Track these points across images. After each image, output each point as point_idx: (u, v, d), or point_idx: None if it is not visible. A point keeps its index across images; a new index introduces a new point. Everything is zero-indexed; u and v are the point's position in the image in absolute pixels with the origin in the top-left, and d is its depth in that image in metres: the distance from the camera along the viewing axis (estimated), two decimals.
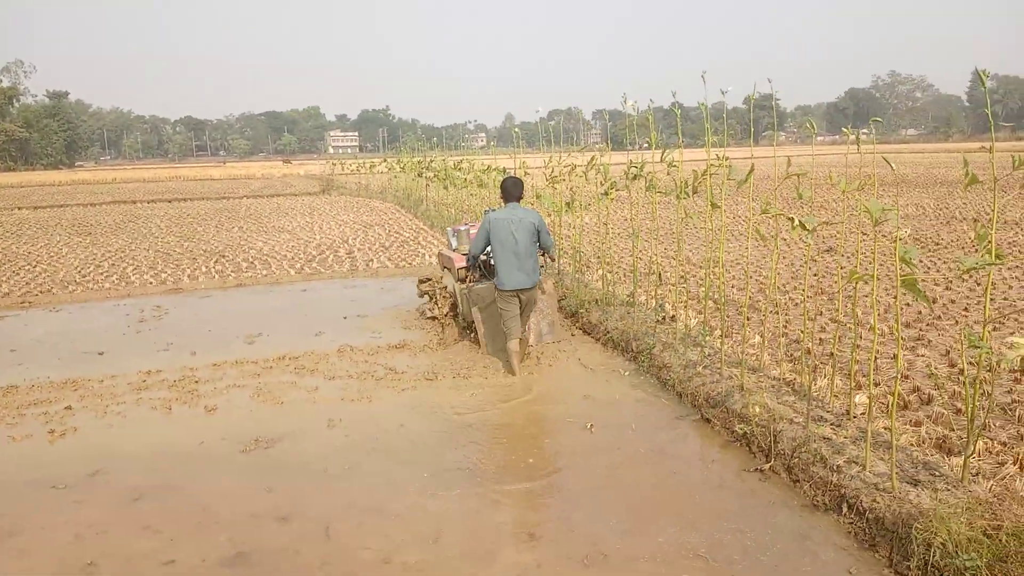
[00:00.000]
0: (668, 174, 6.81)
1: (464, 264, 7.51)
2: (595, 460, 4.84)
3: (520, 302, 6.67)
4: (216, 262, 13.17)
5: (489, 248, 6.81)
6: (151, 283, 11.44)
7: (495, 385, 6.37)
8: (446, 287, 8.35)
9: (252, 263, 13.00)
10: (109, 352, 7.65)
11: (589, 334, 7.87)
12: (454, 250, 8.13)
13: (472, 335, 7.57)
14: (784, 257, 11.14)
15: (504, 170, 11.46)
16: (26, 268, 12.96)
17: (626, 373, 6.59)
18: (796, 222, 4.84)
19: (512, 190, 6.79)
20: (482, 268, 7.38)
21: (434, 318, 8.31)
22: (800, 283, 9.26)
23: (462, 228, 8.22)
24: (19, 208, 26.80)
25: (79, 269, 12.73)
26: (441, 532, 3.96)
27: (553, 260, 7.84)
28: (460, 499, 4.34)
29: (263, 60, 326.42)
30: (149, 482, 4.64)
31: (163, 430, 5.52)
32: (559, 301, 8.93)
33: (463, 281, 7.59)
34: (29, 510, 4.30)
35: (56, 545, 3.91)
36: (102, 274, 12.22)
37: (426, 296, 8.60)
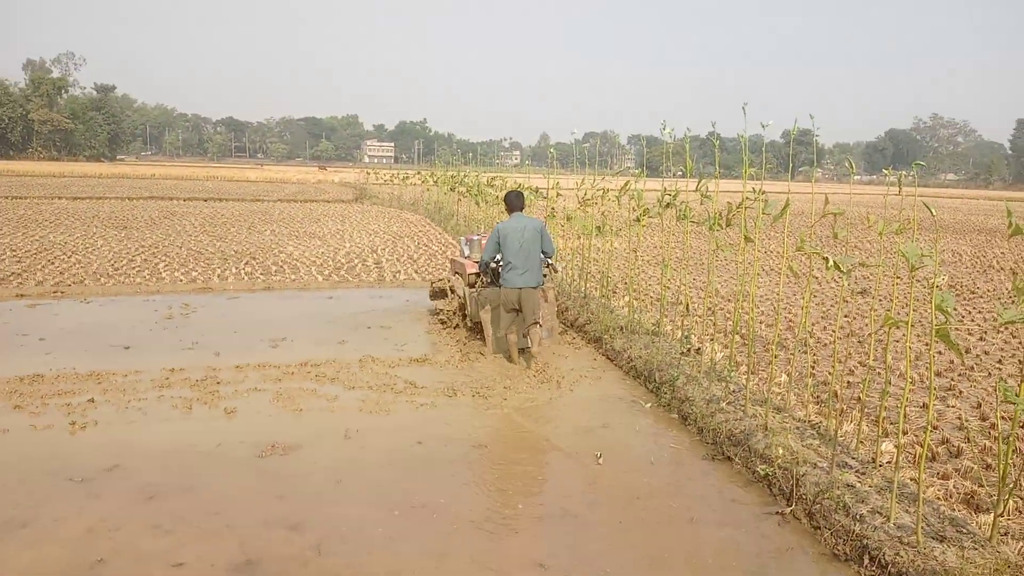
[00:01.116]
0: (702, 203, 6.75)
1: (475, 270, 8.21)
2: (610, 493, 4.77)
3: (520, 301, 7.23)
4: (246, 264, 13.30)
5: (499, 255, 7.41)
6: (181, 280, 11.57)
7: (514, 407, 6.32)
8: (454, 289, 8.91)
9: (281, 267, 13.11)
10: (135, 347, 7.73)
11: (612, 361, 7.80)
12: (467, 257, 8.81)
13: (479, 336, 8.19)
14: (815, 296, 10.98)
15: (537, 189, 11.57)
16: (61, 258, 13.19)
17: (647, 404, 6.51)
18: (831, 262, 4.77)
19: (515, 202, 7.52)
20: (492, 274, 7.81)
21: (443, 318, 8.98)
22: (830, 323, 9.11)
23: (475, 238, 8.94)
24: (59, 198, 27.35)
25: (112, 262, 12.93)
26: (449, 553, 3.91)
27: (556, 271, 8.30)
28: (471, 523, 4.29)
29: (305, 66, 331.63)
30: (165, 481, 4.65)
31: (182, 429, 5.54)
32: (585, 327, 8.89)
33: (472, 286, 8.31)
34: (44, 500, 4.33)
35: (67, 538, 3.92)
36: (134, 268, 12.40)
37: (436, 297, 9.35)
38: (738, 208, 5.95)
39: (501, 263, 7.32)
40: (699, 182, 6.54)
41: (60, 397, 6.06)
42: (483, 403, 6.35)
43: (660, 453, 5.47)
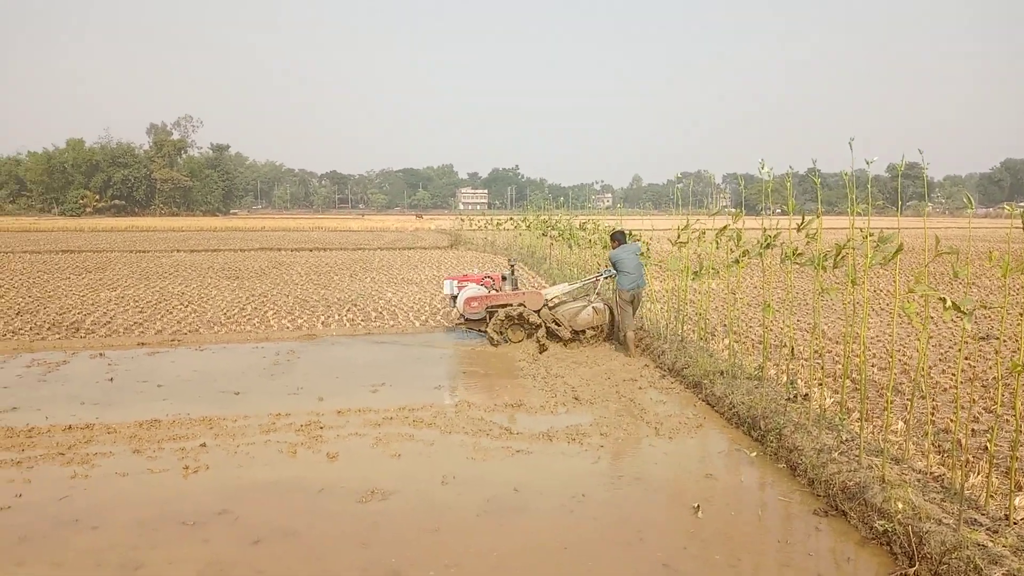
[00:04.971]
0: (807, 244, 6.51)
1: (547, 297, 10.92)
2: (714, 547, 4.56)
3: (635, 298, 10.15)
4: (348, 311, 13.73)
5: (557, 291, 11.18)
6: (288, 328, 12.04)
7: (611, 455, 6.19)
8: (530, 314, 10.64)
9: (381, 313, 13.46)
10: (244, 393, 8.06)
11: (713, 407, 7.55)
12: (534, 290, 11.03)
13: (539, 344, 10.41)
14: (931, 337, 10.33)
15: (630, 232, 11.71)
16: (179, 307, 13.99)
17: (752, 453, 6.24)
18: (948, 303, 4.48)
19: (620, 237, 10.59)
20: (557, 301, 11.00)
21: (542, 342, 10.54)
22: (950, 367, 8.53)
23: (509, 274, 11.54)
24: (178, 251, 29.18)
25: (225, 311, 13.61)
26: None
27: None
28: (570, 574, 4.18)
29: (403, 120, 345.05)
30: (270, 525, 4.78)
31: (287, 473, 5.70)
32: (683, 371, 8.69)
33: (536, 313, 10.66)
34: (159, 543, 4.52)
35: None
36: (245, 317, 13.00)
37: (510, 322, 10.72)
38: (845, 248, 5.69)
39: (617, 275, 10.14)
40: (803, 221, 6.31)
41: (175, 441, 6.36)
42: (579, 449, 6.25)
43: (767, 506, 5.21)
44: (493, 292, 11.01)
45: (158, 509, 5.01)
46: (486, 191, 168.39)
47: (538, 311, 10.67)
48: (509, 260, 12.42)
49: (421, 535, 4.67)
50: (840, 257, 5.73)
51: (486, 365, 9.50)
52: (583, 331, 10.71)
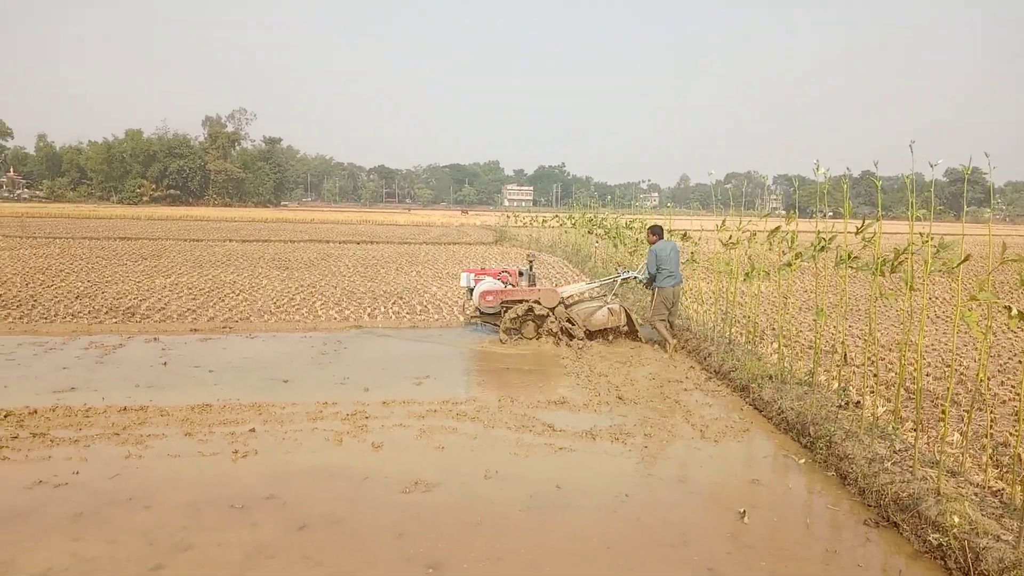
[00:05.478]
0: (864, 248, 6.34)
1: (567, 294, 10.88)
2: (760, 553, 4.48)
3: (675, 295, 10.24)
4: (394, 303, 13.86)
5: (574, 289, 11.14)
6: (335, 318, 12.21)
7: (655, 455, 6.13)
8: (546, 312, 10.59)
9: (426, 307, 13.55)
10: (293, 381, 8.19)
11: (760, 412, 7.42)
12: (552, 288, 10.88)
13: (557, 340, 10.46)
14: (991, 347, 9.99)
15: (685, 234, 11.74)
16: (230, 295, 14.29)
17: (801, 460, 6.11)
18: (1014, 311, 4.32)
19: (660, 232, 10.67)
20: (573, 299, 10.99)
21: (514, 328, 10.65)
22: (1010, 378, 8.25)
23: (525, 270, 11.41)
24: (230, 240, 29.81)
25: (275, 300, 13.85)
26: None
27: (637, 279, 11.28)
28: (612, 572, 4.15)
29: (451, 116, 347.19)
30: (316, 511, 4.84)
31: (333, 461, 5.77)
32: (730, 374, 8.55)
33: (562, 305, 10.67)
34: (208, 526, 4.62)
35: (227, 564, 4.14)
36: (294, 307, 13.21)
37: (527, 319, 10.67)
38: (905, 254, 5.53)
39: (658, 275, 10.18)
40: (863, 224, 6.15)
41: (225, 426, 6.50)
42: (622, 449, 6.21)
43: (815, 514, 5.09)
44: (509, 287, 10.93)
45: (208, 491, 5.12)
46: (531, 188, 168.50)
47: (553, 309, 10.56)
48: (528, 255, 12.35)
49: (463, 528, 4.69)
50: (899, 262, 5.57)
51: (529, 361, 9.49)
52: (597, 332, 10.62)
